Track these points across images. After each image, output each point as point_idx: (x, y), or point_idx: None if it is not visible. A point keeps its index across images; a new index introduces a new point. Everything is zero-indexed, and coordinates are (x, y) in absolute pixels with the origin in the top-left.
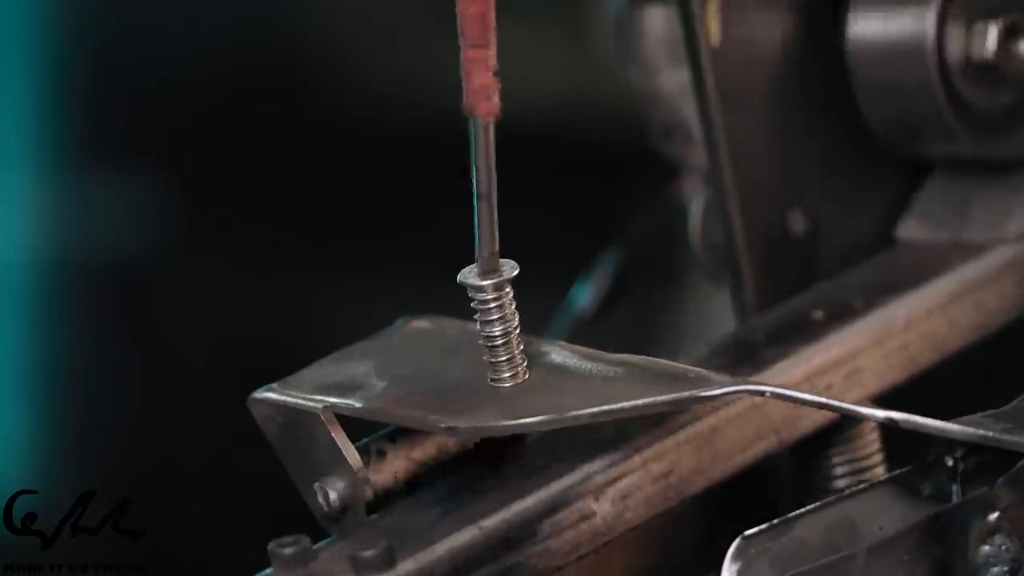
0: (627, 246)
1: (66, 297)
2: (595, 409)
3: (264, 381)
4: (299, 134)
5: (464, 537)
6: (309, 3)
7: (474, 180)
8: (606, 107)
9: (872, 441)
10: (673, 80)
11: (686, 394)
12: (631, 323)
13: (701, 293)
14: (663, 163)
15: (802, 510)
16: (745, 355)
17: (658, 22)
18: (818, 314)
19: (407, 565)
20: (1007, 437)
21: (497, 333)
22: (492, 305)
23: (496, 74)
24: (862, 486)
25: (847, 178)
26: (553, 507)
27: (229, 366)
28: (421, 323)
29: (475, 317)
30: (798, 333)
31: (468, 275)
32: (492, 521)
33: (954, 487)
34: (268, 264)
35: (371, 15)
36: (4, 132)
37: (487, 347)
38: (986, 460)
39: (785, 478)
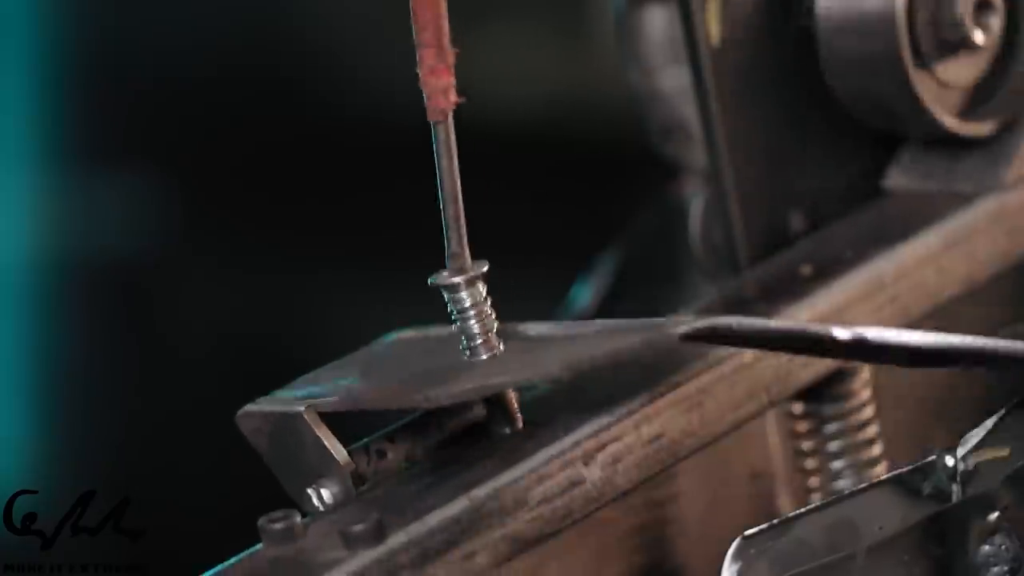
0: (627, 246)
1: (66, 297)
2: (565, 362)
3: (264, 381)
4: (298, 134)
5: (454, 508)
6: (308, 3)
7: (439, 180)
8: (606, 107)
9: (865, 399)
10: (673, 80)
11: (652, 333)
12: None
13: (701, 293)
14: (663, 163)
15: (802, 510)
16: (735, 313)
17: (658, 22)
18: (806, 269)
19: (398, 538)
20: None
21: (473, 326)
22: (467, 304)
23: (455, 72)
24: (862, 486)
25: (848, 177)
26: (543, 474)
27: (229, 366)
28: (407, 333)
29: (451, 316)
30: (787, 289)
31: (440, 276)
32: (482, 491)
33: (954, 487)
34: (268, 264)
35: (370, 15)
36: (4, 132)
37: (463, 335)
38: (986, 460)
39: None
